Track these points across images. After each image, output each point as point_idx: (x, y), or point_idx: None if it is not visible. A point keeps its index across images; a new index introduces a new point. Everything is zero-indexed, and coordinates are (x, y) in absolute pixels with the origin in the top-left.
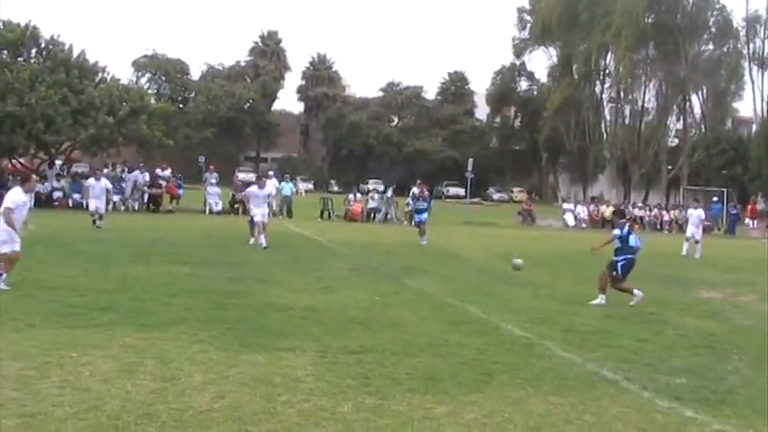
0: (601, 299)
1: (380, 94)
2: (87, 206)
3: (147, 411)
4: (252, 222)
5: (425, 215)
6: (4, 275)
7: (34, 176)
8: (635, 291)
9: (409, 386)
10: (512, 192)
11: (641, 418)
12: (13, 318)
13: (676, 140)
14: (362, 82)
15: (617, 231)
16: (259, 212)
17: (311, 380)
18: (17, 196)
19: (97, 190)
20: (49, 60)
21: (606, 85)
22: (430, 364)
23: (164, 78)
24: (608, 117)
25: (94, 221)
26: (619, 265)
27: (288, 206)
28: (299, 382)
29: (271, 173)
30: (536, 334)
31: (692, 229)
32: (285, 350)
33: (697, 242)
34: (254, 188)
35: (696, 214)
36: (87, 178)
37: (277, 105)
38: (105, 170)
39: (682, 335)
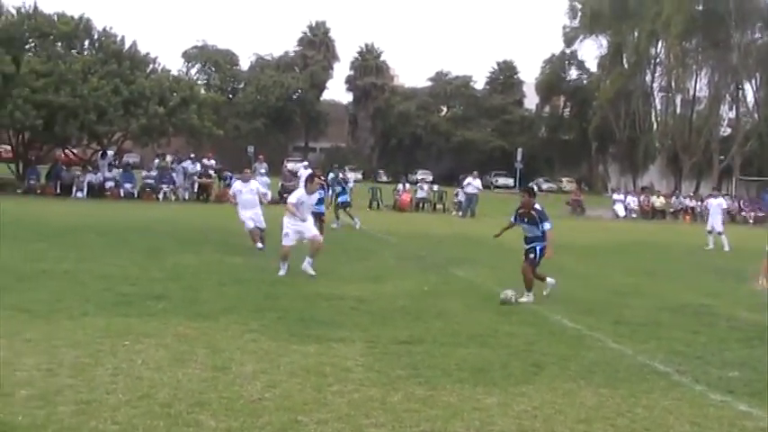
0: (529, 296)
1: (429, 83)
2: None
3: (198, 400)
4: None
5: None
6: (310, 260)
7: (317, 180)
8: (548, 278)
9: (459, 377)
10: (561, 182)
11: (694, 412)
12: (68, 306)
13: (728, 130)
14: (411, 72)
15: (548, 225)
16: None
17: (361, 370)
18: (301, 194)
19: (246, 194)
20: (102, 52)
21: (657, 74)
22: (479, 355)
23: (213, 69)
24: (659, 106)
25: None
26: (538, 249)
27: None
28: (348, 372)
29: (305, 163)
30: (586, 325)
31: (712, 221)
32: (335, 340)
33: (720, 234)
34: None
35: (716, 204)
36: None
37: (326, 95)
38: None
39: (734, 327)
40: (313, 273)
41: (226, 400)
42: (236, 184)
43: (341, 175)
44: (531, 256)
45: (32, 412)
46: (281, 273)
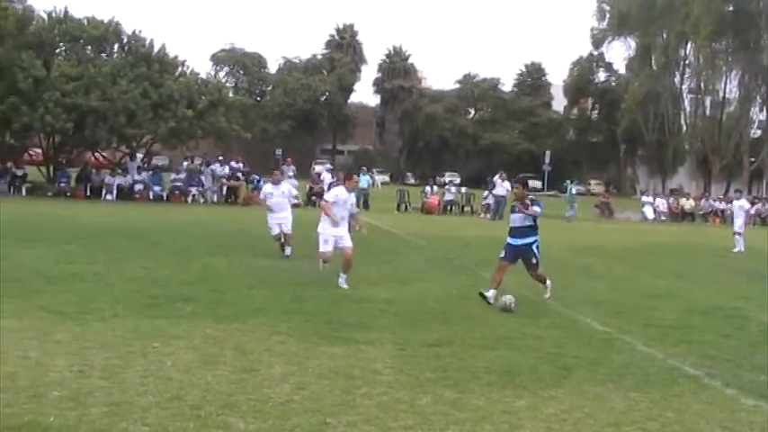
0: (493, 293)
1: (457, 86)
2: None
3: (227, 402)
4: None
5: None
6: (344, 275)
7: (355, 176)
8: (547, 281)
9: (487, 380)
10: (589, 184)
11: (725, 416)
12: (98, 308)
13: (759, 131)
14: (438, 74)
15: (538, 208)
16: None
17: (390, 372)
18: (340, 192)
19: (277, 197)
20: (131, 55)
21: (686, 76)
22: (508, 358)
23: (241, 72)
24: (688, 108)
25: (282, 247)
26: (535, 247)
27: (364, 198)
28: (377, 375)
29: (328, 165)
30: (615, 328)
31: (739, 222)
32: (363, 342)
33: (737, 234)
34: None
35: (739, 205)
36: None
37: (353, 98)
38: (185, 162)
39: (765, 330)
40: (346, 287)
41: (255, 401)
42: (267, 187)
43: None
44: (534, 261)
45: (64, 413)
46: (322, 269)
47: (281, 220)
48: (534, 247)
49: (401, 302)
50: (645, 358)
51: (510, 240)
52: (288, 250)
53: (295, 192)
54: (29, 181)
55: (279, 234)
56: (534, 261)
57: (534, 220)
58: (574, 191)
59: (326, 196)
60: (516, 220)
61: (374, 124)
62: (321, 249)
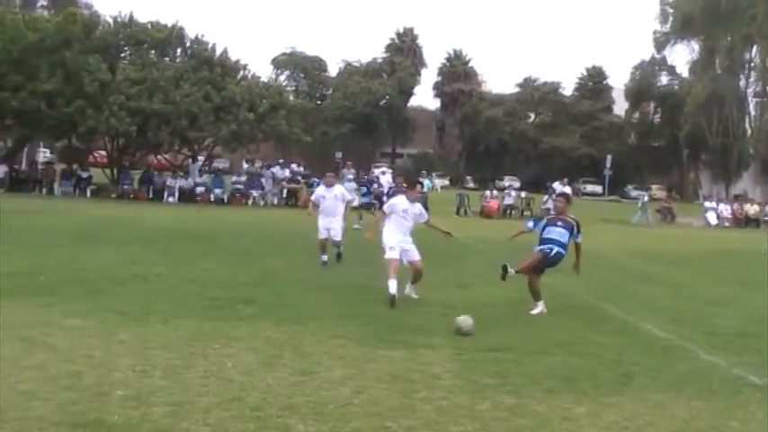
0: (542, 305)
1: (517, 89)
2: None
3: (287, 404)
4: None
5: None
6: (413, 285)
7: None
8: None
9: (547, 386)
10: (650, 189)
11: None
12: (160, 309)
13: None
14: (498, 78)
15: (577, 237)
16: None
17: (449, 377)
18: (398, 201)
19: (329, 200)
20: (194, 59)
21: (751, 79)
22: (568, 364)
23: (302, 75)
24: (753, 112)
25: (339, 255)
26: (553, 254)
27: (424, 202)
28: (437, 380)
29: (384, 168)
30: (677, 335)
31: None
32: (422, 346)
33: None
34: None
35: None
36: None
37: (413, 101)
38: (245, 165)
39: None
40: (416, 296)
41: (314, 404)
42: (319, 189)
43: (366, 176)
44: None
45: (128, 412)
46: (392, 291)
47: (330, 224)
48: (560, 259)
49: (460, 307)
50: (707, 366)
51: (542, 248)
52: (325, 257)
53: (349, 196)
54: (93, 183)
55: (325, 239)
56: (551, 259)
57: (574, 243)
58: (646, 198)
59: (385, 206)
60: (557, 233)
61: (434, 128)
62: (386, 256)
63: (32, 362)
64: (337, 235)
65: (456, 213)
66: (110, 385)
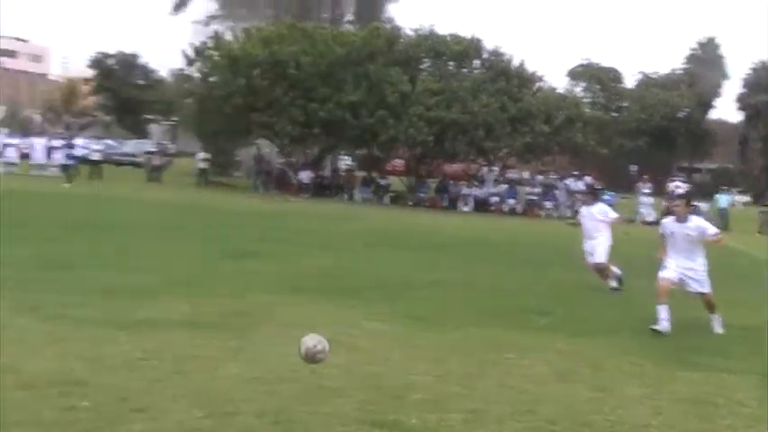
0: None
1: None
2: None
3: (584, 420)
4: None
5: None
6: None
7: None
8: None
9: None
10: None
11: None
12: (456, 316)
13: None
14: None
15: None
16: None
17: (754, 405)
18: (665, 222)
19: (588, 220)
20: (491, 70)
21: None
22: None
23: (598, 87)
24: None
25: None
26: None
27: (724, 219)
28: (741, 406)
29: (677, 183)
30: None
31: None
32: (723, 370)
33: None
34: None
35: None
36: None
37: (714, 114)
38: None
39: None
40: (721, 331)
41: (611, 422)
42: (583, 209)
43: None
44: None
45: (424, 416)
46: (658, 327)
47: (590, 246)
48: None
49: (757, 329)
50: None
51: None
52: (613, 283)
53: (613, 215)
54: (391, 190)
55: (592, 264)
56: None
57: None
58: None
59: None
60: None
61: (736, 142)
62: (660, 274)
63: (337, 360)
64: (600, 257)
65: (758, 232)
66: (407, 388)
